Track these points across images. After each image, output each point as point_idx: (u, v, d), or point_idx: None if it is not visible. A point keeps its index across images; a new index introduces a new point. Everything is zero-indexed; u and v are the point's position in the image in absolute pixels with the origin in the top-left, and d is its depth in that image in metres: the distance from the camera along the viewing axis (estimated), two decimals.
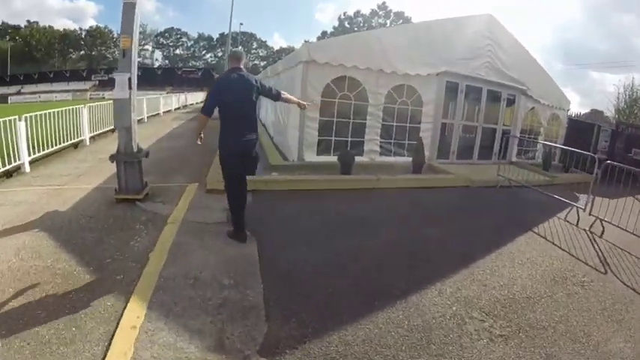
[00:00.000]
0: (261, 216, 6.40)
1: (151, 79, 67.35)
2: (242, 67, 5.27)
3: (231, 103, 5.02)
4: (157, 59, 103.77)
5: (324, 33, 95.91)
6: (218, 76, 62.96)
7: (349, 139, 10.63)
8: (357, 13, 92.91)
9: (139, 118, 18.68)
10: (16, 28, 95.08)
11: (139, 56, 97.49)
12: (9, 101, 61.91)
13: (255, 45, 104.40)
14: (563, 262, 5.59)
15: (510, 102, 13.59)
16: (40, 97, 62.61)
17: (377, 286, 4.48)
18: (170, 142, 13.20)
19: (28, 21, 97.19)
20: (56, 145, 10.55)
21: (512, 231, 6.57)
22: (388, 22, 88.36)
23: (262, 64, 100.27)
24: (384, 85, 10.78)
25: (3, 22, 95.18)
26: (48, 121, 10.21)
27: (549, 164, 13.23)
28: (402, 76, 10.89)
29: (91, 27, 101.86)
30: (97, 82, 72.82)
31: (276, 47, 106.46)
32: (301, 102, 6.25)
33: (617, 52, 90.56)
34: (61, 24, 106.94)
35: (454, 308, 4.10)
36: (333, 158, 10.03)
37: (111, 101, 13.08)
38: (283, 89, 12.00)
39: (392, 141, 11.27)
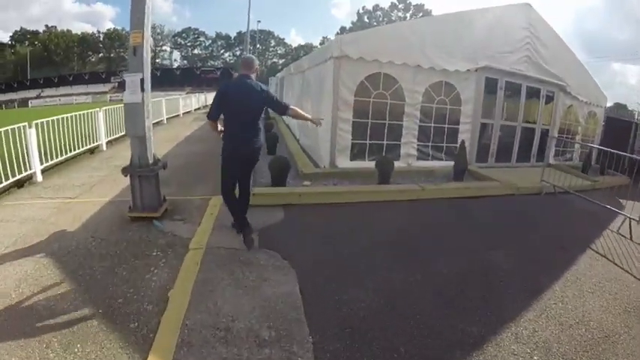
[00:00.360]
0: (297, 237, 5.57)
1: (170, 79, 67.86)
2: (252, 74, 5.07)
3: (232, 111, 4.92)
4: (175, 60, 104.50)
5: (342, 29, 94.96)
6: (237, 74, 62.89)
7: (385, 142, 9.69)
8: (376, 7, 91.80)
9: (157, 120, 18.26)
10: (35, 33, 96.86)
11: (158, 57, 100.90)
12: (29, 105, 62.83)
13: (273, 43, 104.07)
14: (630, 288, 4.88)
15: (549, 99, 12.54)
16: (60, 100, 63.35)
17: (446, 331, 3.65)
18: (190, 147, 12.46)
19: (47, 26, 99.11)
20: (71, 151, 9.97)
21: (571, 249, 5.93)
22: (408, 15, 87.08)
23: (281, 62, 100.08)
24: (422, 82, 9.81)
25: (21, 28, 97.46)
26: (63, 126, 9.70)
27: (589, 166, 12.50)
28: (440, 72, 9.92)
29: (108, 30, 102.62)
30: (117, 84, 72.91)
31: (294, 45, 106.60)
32: (314, 119, 5.84)
33: (638, 42, 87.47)
34: (79, 28, 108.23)
35: (535, 359, 3.37)
36: (368, 164, 9.16)
37: None
38: (310, 89, 11.21)
39: (429, 144, 10.30)
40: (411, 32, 9.62)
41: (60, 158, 9.30)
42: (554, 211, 8.28)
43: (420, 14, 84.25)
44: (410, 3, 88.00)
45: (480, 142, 11.06)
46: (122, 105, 13.13)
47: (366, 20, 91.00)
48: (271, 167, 7.49)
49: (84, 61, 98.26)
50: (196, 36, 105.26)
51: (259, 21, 67.73)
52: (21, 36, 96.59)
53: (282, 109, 5.27)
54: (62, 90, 71.12)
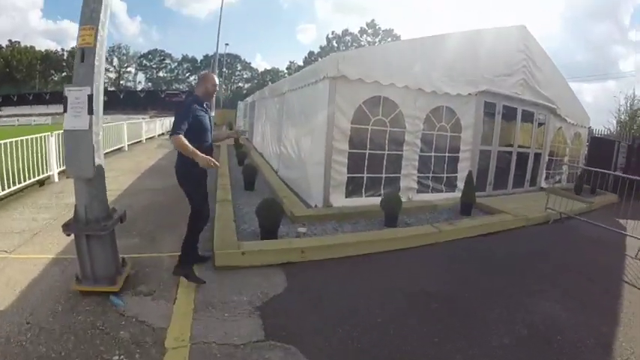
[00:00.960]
0: (311, 317, 4.13)
1: (133, 102, 66.56)
2: (196, 93, 4.73)
3: None
4: (139, 82, 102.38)
5: (310, 53, 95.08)
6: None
7: (383, 175, 8.56)
8: (346, 32, 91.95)
9: (118, 146, 16.65)
10: None
11: (122, 78, 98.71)
12: None
13: (239, 67, 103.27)
14: None
15: (541, 122, 12.31)
16: (18, 120, 60.05)
17: None
18: (155, 180, 10.77)
19: (10, 40, 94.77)
20: (15, 184, 8.43)
21: (606, 285, 5.58)
22: (377, 40, 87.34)
23: (246, 86, 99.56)
24: (423, 107, 8.83)
25: None
26: (7, 152, 8.39)
27: (581, 188, 12.64)
28: (441, 96, 9.01)
29: (72, 48, 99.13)
30: None
31: (260, 69, 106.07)
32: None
33: (591, 62, 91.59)
34: (44, 45, 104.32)
35: None
36: (366, 201, 8.13)
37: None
38: (293, 114, 9.61)
39: (430, 175, 9.33)
40: (412, 52, 8.56)
41: None
42: (567, 240, 7.87)
43: (389, 39, 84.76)
44: (379, 28, 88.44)
45: (478, 170, 10.20)
46: None
47: (335, 45, 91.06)
48: (261, 214, 6.03)
49: (46, 80, 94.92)
50: (162, 58, 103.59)
51: (227, 44, 65.98)
52: None
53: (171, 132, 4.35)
54: (21, 109, 68.16)
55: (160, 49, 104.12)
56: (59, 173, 10.56)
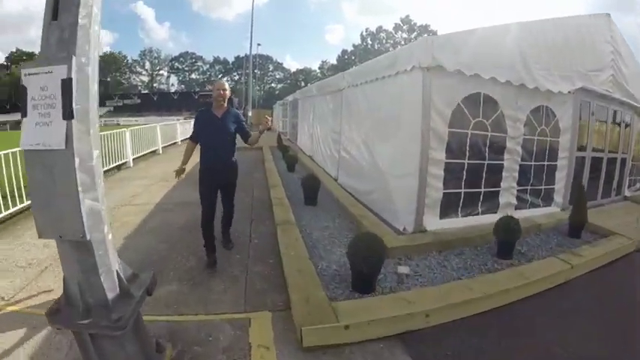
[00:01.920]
0: None
1: (167, 104, 66.65)
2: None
3: None
4: (172, 84, 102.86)
5: (344, 52, 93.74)
6: (237, 99, 61.07)
7: (482, 189, 6.67)
8: (380, 29, 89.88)
9: (151, 149, 15.25)
10: (31, 55, 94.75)
11: (155, 81, 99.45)
12: (7, 129, 59.77)
13: (271, 67, 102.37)
14: None
15: (627, 124, 10.37)
16: None
17: None
18: (193, 190, 8.85)
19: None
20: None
21: None
22: (413, 36, 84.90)
23: (279, 86, 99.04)
24: (524, 107, 6.95)
25: (17, 49, 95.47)
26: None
27: None
28: (542, 93, 7.10)
29: (105, 53, 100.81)
30: (112, 108, 71.66)
31: (291, 69, 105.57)
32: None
33: None
34: None
35: None
36: (463, 222, 6.29)
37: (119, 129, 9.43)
38: (360, 113, 8.29)
39: (528, 187, 7.42)
40: (511, 40, 6.60)
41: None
42: None
43: (426, 35, 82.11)
44: (415, 24, 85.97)
45: (573, 180, 8.38)
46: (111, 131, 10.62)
47: (370, 42, 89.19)
48: (356, 255, 4.11)
49: None
50: (194, 60, 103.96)
51: (259, 44, 64.58)
52: (17, 57, 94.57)
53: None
54: None
55: (191, 52, 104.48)
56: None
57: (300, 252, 4.90)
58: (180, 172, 5.11)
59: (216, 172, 4.86)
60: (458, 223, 6.26)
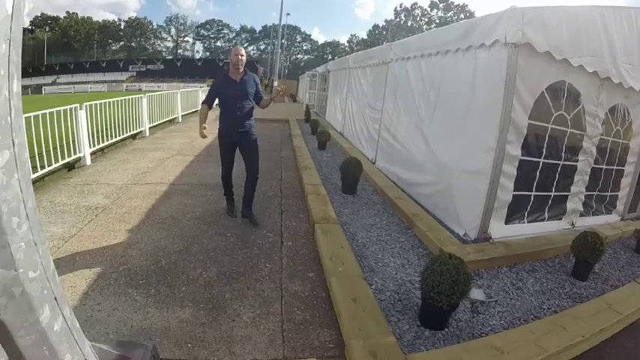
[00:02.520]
0: None
1: (190, 70, 65.86)
2: None
3: None
4: (197, 51, 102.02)
5: (375, 27, 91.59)
6: (262, 68, 59.86)
7: (552, 193, 5.55)
8: (415, 5, 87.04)
9: (170, 117, 14.29)
10: (55, 19, 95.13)
11: (180, 47, 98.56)
12: (43, 92, 60.20)
13: (299, 38, 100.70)
14: None
15: None
16: (74, 87, 60.77)
17: None
18: (213, 166, 7.79)
19: (68, 12, 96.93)
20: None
21: None
22: (450, 14, 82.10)
23: (305, 58, 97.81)
24: (604, 103, 5.79)
25: (42, 14, 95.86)
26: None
27: None
28: (623, 90, 5.91)
29: (129, 18, 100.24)
30: (135, 74, 71.13)
31: (319, 42, 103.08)
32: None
33: None
34: (103, 17, 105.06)
35: None
36: (530, 229, 5.31)
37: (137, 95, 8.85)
38: (411, 93, 7.16)
39: (595, 193, 6.37)
40: (603, 25, 5.29)
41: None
42: None
43: (462, 16, 79.55)
44: (452, 2, 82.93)
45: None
46: (118, 97, 9.63)
47: (403, 18, 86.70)
48: (439, 293, 2.97)
49: (104, 49, 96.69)
50: (220, 28, 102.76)
51: (288, 14, 62.49)
52: (41, 21, 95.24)
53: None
54: (78, 77, 69.14)
55: (218, 20, 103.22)
56: (92, 154, 8.21)
57: (350, 267, 3.79)
58: (202, 130, 5.14)
59: (236, 133, 4.98)
60: (523, 229, 5.21)
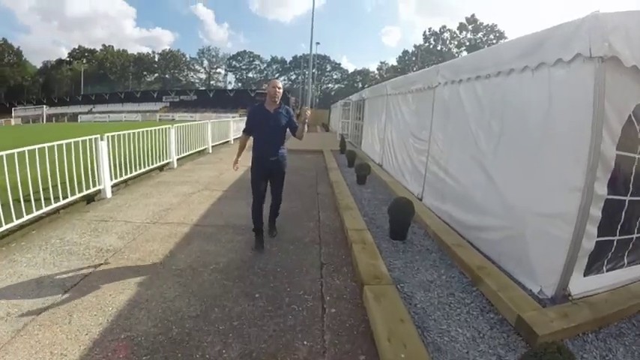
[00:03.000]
0: None
1: (223, 101, 66.76)
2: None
3: None
4: (230, 82, 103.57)
5: (405, 52, 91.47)
6: (294, 98, 59.85)
7: (634, 235, 4.49)
8: (444, 29, 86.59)
9: (200, 148, 13.78)
10: (92, 51, 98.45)
11: (212, 79, 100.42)
12: (79, 119, 63.21)
13: (328, 67, 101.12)
14: None
15: None
16: (109, 116, 62.65)
17: None
18: (242, 204, 6.88)
19: (104, 45, 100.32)
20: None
21: None
22: (480, 35, 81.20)
23: (335, 87, 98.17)
24: None
25: (79, 46, 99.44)
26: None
27: None
28: None
29: (163, 50, 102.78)
30: (168, 104, 72.39)
31: (349, 70, 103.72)
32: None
33: None
34: (138, 51, 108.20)
35: None
36: (609, 280, 4.22)
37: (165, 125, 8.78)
38: (465, 119, 6.29)
39: None
40: None
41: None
42: None
43: (492, 37, 78.60)
44: (481, 23, 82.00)
45: None
46: (155, 127, 9.29)
47: (432, 42, 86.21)
48: None
49: (139, 81, 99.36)
50: (251, 59, 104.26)
51: (318, 43, 62.53)
52: (79, 53, 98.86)
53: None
54: (113, 107, 70.98)
55: (249, 51, 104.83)
56: (114, 186, 7.70)
57: (414, 353, 2.86)
58: (235, 162, 5.49)
59: (267, 161, 5.21)
60: (603, 280, 4.17)
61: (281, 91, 5.12)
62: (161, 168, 10.51)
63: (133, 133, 8.88)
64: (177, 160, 11.47)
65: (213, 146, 15.37)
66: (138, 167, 8.88)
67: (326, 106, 53.29)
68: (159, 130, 10.44)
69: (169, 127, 11.07)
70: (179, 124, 12.03)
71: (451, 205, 6.41)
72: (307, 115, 5.25)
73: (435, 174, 7.16)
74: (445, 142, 6.85)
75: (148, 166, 9.43)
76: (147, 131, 9.65)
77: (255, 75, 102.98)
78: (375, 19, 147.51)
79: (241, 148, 5.49)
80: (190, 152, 12.84)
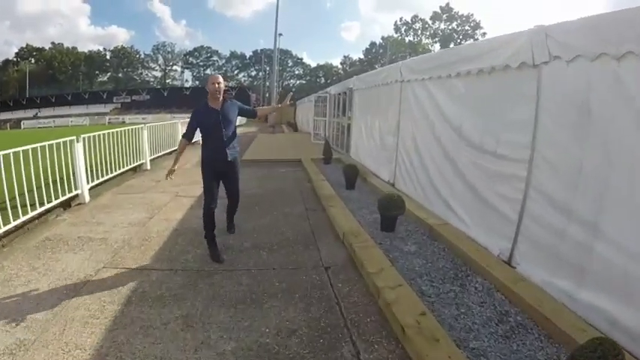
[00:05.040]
0: None
1: (178, 100, 62.88)
2: None
3: None
4: (186, 80, 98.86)
5: (372, 44, 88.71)
6: (254, 95, 56.02)
7: None
8: (415, 18, 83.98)
9: (134, 164, 10.02)
10: (41, 50, 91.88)
11: (168, 77, 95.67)
12: (22, 126, 58.62)
13: (290, 63, 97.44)
14: None
15: None
16: (54, 121, 57.74)
17: None
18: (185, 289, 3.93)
19: (53, 43, 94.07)
20: None
21: None
22: (454, 25, 78.65)
23: (297, 83, 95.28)
24: None
25: (27, 45, 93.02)
26: None
27: None
28: None
29: (115, 47, 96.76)
30: (120, 105, 67.65)
31: (311, 66, 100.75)
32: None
33: None
34: (93, 49, 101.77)
35: None
36: None
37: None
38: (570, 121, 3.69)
39: None
40: None
41: None
42: None
43: (467, 27, 76.25)
44: (456, 12, 79.67)
45: None
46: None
47: (403, 32, 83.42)
48: None
49: (91, 81, 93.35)
50: (209, 55, 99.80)
51: (281, 34, 58.03)
52: (26, 53, 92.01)
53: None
54: (60, 110, 66.33)
55: (207, 46, 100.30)
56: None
57: None
58: (170, 172, 4.89)
59: (220, 163, 4.83)
60: None
61: (222, 85, 4.71)
62: (67, 204, 6.77)
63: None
64: (92, 188, 7.65)
65: (153, 159, 11.42)
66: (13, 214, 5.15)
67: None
68: (62, 143, 6.83)
69: (75, 140, 7.24)
70: (87, 135, 7.83)
71: (594, 292, 3.07)
72: (288, 103, 5.60)
73: (550, 226, 3.73)
74: (581, 166, 3.41)
75: (39, 206, 5.73)
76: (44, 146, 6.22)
77: (213, 72, 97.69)
78: (334, 15, 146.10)
79: (180, 153, 5.00)
80: (114, 174, 8.89)
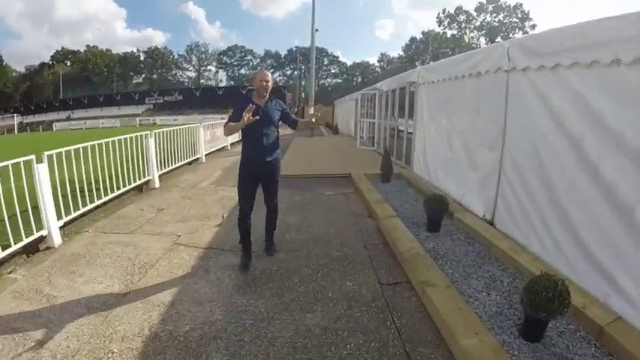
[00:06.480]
0: None
1: (211, 100, 61.54)
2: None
3: None
4: (220, 80, 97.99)
5: (412, 40, 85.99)
6: (290, 94, 53.93)
7: None
8: (460, 10, 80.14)
9: (135, 183, 7.48)
10: (76, 53, 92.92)
11: (202, 77, 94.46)
12: (54, 128, 57.85)
13: (326, 61, 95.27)
14: None
15: None
16: (85, 123, 56.91)
17: None
18: None
19: (88, 45, 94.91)
20: None
21: None
22: (500, 17, 75.06)
23: (333, 82, 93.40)
24: None
25: (62, 48, 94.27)
26: None
27: None
28: None
29: (149, 48, 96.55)
30: (152, 106, 66.65)
31: (347, 64, 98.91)
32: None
33: None
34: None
35: None
36: None
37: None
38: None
39: None
40: None
41: None
42: None
43: (514, 18, 72.46)
44: (502, 3, 75.82)
45: None
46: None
47: (446, 25, 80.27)
48: None
49: (125, 83, 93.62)
50: (243, 54, 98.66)
51: (317, 30, 56.10)
52: (62, 56, 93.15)
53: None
54: (92, 112, 65.95)
55: (240, 46, 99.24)
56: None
57: None
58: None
59: (259, 164, 4.44)
60: None
61: (270, 84, 4.39)
62: (33, 249, 4.64)
63: None
64: (66, 224, 5.46)
65: (162, 174, 9.06)
66: None
67: (324, 102, 47.78)
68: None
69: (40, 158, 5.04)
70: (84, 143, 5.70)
71: None
72: (313, 120, 5.22)
73: None
74: None
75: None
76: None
77: (247, 71, 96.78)
78: (368, 13, 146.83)
79: (234, 127, 4.45)
80: (107, 198, 6.69)
